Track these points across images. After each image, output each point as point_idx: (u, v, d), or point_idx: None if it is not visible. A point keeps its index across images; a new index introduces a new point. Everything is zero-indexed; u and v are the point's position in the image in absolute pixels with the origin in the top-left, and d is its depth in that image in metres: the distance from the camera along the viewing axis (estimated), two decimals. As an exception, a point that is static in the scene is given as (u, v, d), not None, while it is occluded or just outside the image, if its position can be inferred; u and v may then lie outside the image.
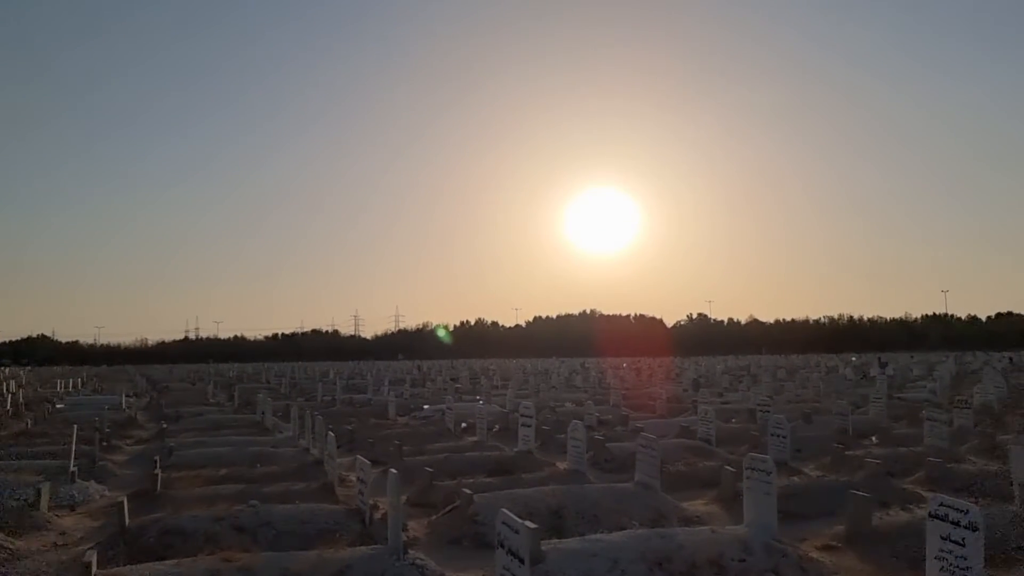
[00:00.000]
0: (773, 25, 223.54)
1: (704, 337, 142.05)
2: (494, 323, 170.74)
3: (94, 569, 6.64)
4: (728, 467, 11.39)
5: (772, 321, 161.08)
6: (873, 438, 16.59)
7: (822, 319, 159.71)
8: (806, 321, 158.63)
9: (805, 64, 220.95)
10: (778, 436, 13.67)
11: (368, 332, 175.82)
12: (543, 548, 7.21)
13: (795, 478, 11.89)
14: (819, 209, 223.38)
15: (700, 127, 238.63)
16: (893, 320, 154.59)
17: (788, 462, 12.99)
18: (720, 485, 11.24)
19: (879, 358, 57.04)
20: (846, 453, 13.57)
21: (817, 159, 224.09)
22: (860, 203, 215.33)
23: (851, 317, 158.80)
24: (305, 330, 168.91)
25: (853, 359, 68.89)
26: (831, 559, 7.90)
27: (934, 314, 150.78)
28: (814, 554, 7.94)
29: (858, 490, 9.02)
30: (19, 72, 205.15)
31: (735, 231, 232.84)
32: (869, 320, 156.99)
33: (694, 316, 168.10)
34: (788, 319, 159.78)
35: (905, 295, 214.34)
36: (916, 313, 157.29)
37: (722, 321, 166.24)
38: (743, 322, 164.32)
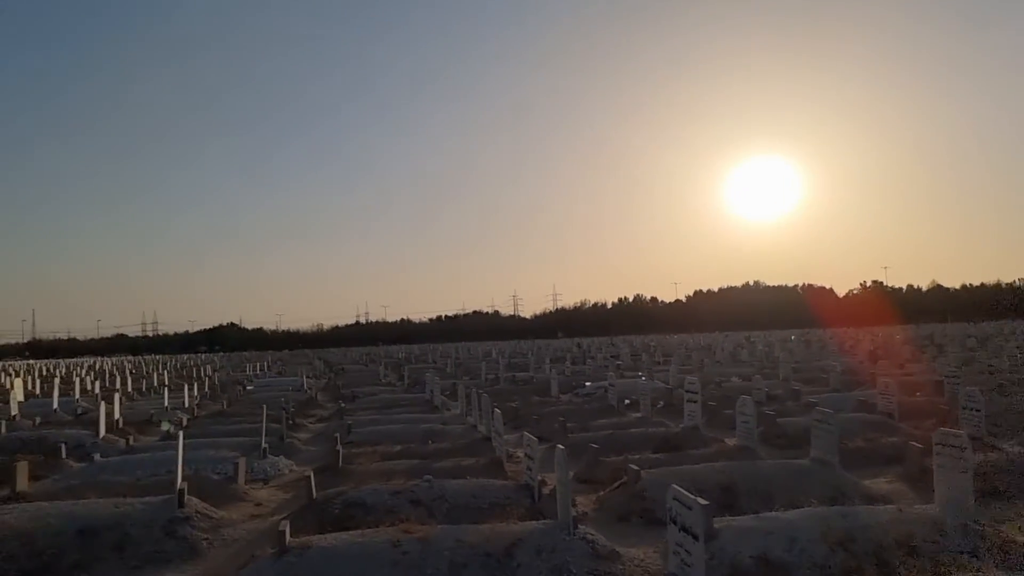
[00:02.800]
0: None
1: (881, 306, 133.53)
2: (653, 299, 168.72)
3: (288, 537, 7.14)
4: (914, 443, 10.66)
5: (958, 286, 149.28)
6: (1082, 411, 14.99)
7: (1015, 282, 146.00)
8: (997, 285, 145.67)
9: (980, 13, 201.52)
10: (971, 409, 12.63)
11: (527, 311, 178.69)
12: (716, 525, 7.04)
13: (992, 454, 10.93)
14: (1005, 158, 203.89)
15: (867, 86, 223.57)
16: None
17: (983, 437, 11.99)
18: (905, 462, 10.55)
19: (1086, 323, 51.51)
20: (1051, 428, 12.36)
21: (994, 102, 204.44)
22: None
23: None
24: (467, 311, 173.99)
25: (1054, 325, 62.58)
26: (1038, 543, 7.22)
27: None
28: (1018, 537, 7.27)
29: (1068, 468, 8.18)
30: (191, 62, 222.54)
31: (910, 190, 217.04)
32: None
33: (868, 284, 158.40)
34: (976, 284, 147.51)
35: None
36: None
37: (900, 288, 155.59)
38: (924, 288, 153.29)
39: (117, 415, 18.69)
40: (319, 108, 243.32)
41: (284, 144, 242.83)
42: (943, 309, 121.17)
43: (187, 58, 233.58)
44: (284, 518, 8.57)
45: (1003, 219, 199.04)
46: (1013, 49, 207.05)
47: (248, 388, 31.61)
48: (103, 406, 16.85)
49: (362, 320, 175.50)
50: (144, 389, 33.23)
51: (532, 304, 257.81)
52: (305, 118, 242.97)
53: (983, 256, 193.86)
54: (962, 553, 6.80)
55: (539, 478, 9.37)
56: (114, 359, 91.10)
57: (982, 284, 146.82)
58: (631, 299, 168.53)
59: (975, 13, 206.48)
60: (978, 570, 6.47)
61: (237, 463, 11.71)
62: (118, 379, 36.71)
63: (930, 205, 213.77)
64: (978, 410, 12.56)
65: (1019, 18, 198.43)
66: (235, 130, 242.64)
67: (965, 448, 7.68)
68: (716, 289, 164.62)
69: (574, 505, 8.64)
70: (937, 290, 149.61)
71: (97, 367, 60.77)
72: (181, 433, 10.35)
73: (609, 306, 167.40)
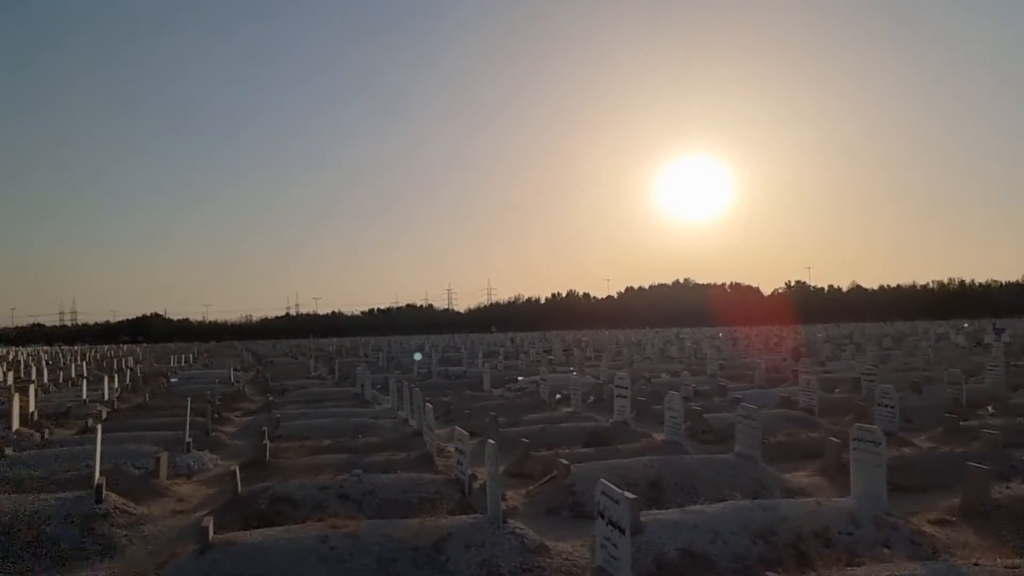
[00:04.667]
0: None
1: (803, 305, 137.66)
2: (586, 295, 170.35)
3: (211, 534, 6.98)
4: (832, 438, 11.03)
5: (876, 287, 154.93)
6: (989, 408, 15.72)
7: (931, 284, 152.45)
8: (913, 287, 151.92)
9: (905, 13, 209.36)
10: (886, 406, 13.14)
11: (461, 305, 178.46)
12: (642, 519, 7.16)
13: (905, 449, 11.40)
14: (925, 166, 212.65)
15: (795, 88, 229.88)
16: (1009, 284, 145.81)
17: (897, 433, 12.48)
18: (824, 456, 10.90)
19: (994, 324, 54.14)
20: (960, 424, 12.92)
21: (919, 114, 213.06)
22: (970, 161, 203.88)
23: (962, 281, 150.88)
24: (400, 305, 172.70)
25: (965, 326, 65.49)
26: (945, 533, 7.55)
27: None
28: (927, 528, 7.60)
29: (974, 462, 8.58)
30: (112, 55, 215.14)
31: (835, 194, 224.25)
32: (982, 285, 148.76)
33: (793, 283, 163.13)
34: (893, 285, 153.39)
35: (1021, 257, 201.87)
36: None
37: (822, 288, 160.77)
38: (845, 289, 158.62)
39: (32, 408, 17.95)
40: (250, 98, 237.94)
41: (214, 131, 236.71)
42: (862, 309, 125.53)
43: (121, 43, 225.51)
44: (207, 514, 8.36)
45: (919, 224, 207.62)
46: (937, 52, 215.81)
47: (172, 380, 30.76)
48: (16, 398, 16.15)
49: (292, 312, 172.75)
50: (61, 381, 32.00)
51: (466, 298, 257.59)
52: (237, 108, 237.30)
53: (900, 259, 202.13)
54: (875, 544, 7.08)
55: (470, 472, 9.38)
56: (29, 349, 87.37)
57: (899, 286, 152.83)
58: (564, 295, 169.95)
59: (902, 19, 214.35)
60: (890, 560, 6.73)
61: (159, 457, 11.38)
62: (33, 370, 35.23)
63: (852, 209, 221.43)
64: (892, 406, 13.07)
65: (944, 23, 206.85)
66: (163, 117, 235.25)
67: (880, 443, 7.99)
68: (647, 286, 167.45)
69: (504, 499, 8.67)
70: (857, 290, 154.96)
71: (11, 357, 58.19)
72: (100, 426, 10.01)
73: (543, 301, 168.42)
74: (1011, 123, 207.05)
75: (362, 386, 22.06)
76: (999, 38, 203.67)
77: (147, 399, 22.15)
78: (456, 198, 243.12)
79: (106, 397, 21.90)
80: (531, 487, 10.02)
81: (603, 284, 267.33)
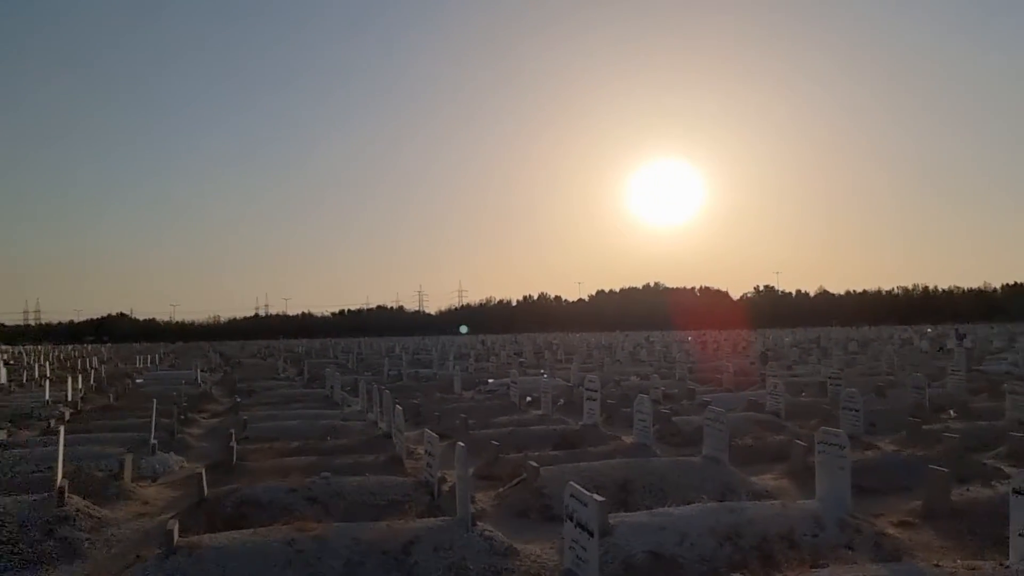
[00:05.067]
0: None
1: (772, 309, 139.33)
2: (557, 297, 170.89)
3: (176, 537, 6.89)
4: (798, 441, 11.17)
5: (843, 292, 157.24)
6: (951, 412, 16.02)
7: (895, 290, 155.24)
8: (878, 292, 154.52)
9: (873, 21, 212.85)
10: (851, 409, 13.32)
11: (432, 307, 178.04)
12: (611, 521, 7.20)
13: (869, 452, 11.58)
14: (892, 176, 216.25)
15: (765, 95, 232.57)
16: (971, 290, 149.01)
17: (861, 436, 12.67)
18: (790, 459, 11.04)
19: (956, 329, 55.10)
20: (923, 427, 13.14)
21: (888, 123, 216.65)
22: (935, 169, 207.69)
23: (926, 288, 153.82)
24: (371, 306, 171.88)
25: (928, 331, 66.63)
26: (908, 535, 7.69)
27: (1016, 283, 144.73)
28: (890, 530, 7.73)
29: (936, 465, 8.73)
30: (80, 56, 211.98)
31: (803, 201, 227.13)
32: (945, 291, 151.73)
33: (761, 288, 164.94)
34: (859, 290, 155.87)
35: (985, 264, 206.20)
36: (996, 283, 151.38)
37: (790, 293, 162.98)
38: (812, 294, 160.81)
39: (-8, 408, 17.61)
40: (221, 98, 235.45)
41: (184, 131, 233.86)
42: (829, 314, 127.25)
43: (88, 42, 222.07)
44: (172, 517, 8.26)
45: (885, 231, 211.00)
46: (903, 61, 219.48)
47: (138, 381, 30.29)
48: (-24, 399, 15.84)
49: (261, 313, 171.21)
50: (24, 381, 31.40)
51: (438, 300, 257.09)
52: (207, 107, 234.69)
53: (867, 265, 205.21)
54: (839, 546, 7.18)
55: (439, 475, 9.36)
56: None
57: (864, 291, 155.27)
58: (536, 297, 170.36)
59: (868, 28, 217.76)
60: (853, 561, 6.83)
61: (123, 460, 11.21)
62: (-6, 370, 34.51)
63: (820, 216, 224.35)
64: (857, 410, 13.26)
65: (908, 32, 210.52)
66: (133, 115, 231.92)
67: (844, 446, 8.11)
68: (618, 289, 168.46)
69: (473, 502, 8.67)
70: (824, 296, 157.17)
71: (-29, 357, 56.97)
72: (63, 428, 9.85)
73: (514, 304, 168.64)
74: (975, 133, 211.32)
75: (331, 388, 21.91)
76: (961, 47, 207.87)
77: (112, 400, 21.81)
78: (428, 200, 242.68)
79: (70, 398, 21.53)
80: (501, 490, 10.02)
81: (574, 287, 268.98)
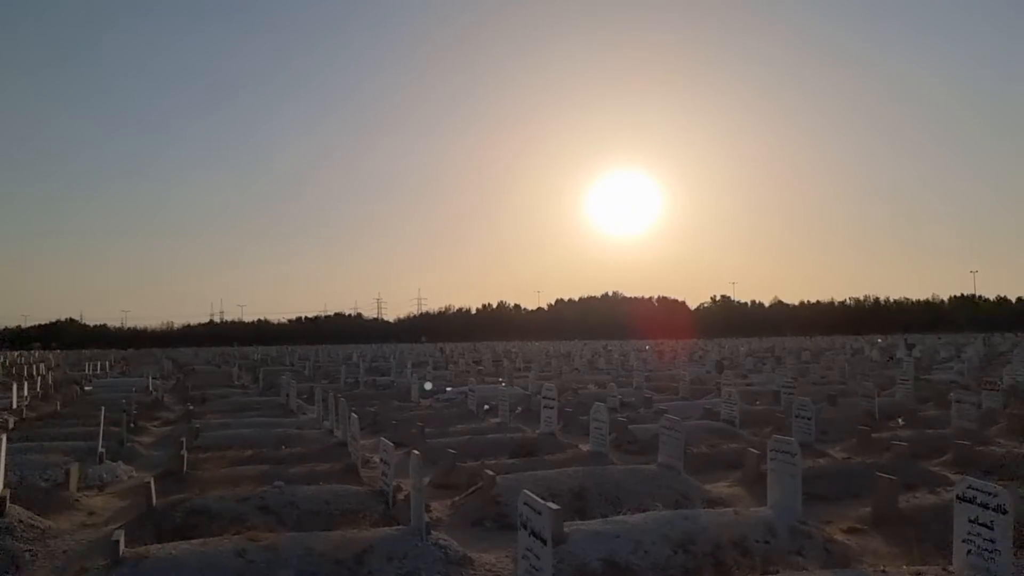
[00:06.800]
0: (795, 3, 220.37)
1: (727, 319, 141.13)
2: (516, 306, 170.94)
3: (122, 547, 6.72)
4: (752, 449, 11.30)
5: (797, 303, 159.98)
6: (900, 420, 16.38)
7: (847, 301, 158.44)
8: (831, 303, 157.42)
9: (828, 42, 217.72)
10: (803, 418, 13.55)
11: (391, 315, 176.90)
12: (566, 529, 7.20)
13: (820, 460, 11.78)
14: (844, 189, 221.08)
15: (722, 108, 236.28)
16: (920, 302, 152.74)
17: (813, 444, 12.88)
18: (744, 467, 11.16)
19: (905, 339, 56.43)
20: (872, 435, 13.41)
21: (841, 138, 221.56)
22: (886, 183, 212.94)
23: (877, 299, 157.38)
24: (328, 313, 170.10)
25: (879, 341, 68.08)
26: (856, 541, 7.83)
27: (962, 295, 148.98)
28: (839, 536, 7.86)
29: (884, 472, 8.92)
30: (45, 59, 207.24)
31: (759, 213, 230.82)
32: (895, 302, 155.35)
33: (717, 298, 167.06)
34: (813, 301, 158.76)
35: (932, 276, 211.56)
36: (944, 295, 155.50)
37: (746, 303, 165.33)
38: (767, 304, 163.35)
39: (-69, 416, 17.03)
40: (176, 103, 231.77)
41: (136, 132, 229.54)
42: (783, 324, 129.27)
43: (52, 37, 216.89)
44: (119, 527, 8.05)
45: (838, 244, 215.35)
46: (854, 78, 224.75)
47: (87, 388, 29.58)
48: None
49: (216, 319, 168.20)
50: (-34, 388, 30.44)
51: (396, 308, 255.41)
52: (161, 108, 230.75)
53: (820, 276, 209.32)
54: (790, 552, 7.28)
55: (394, 484, 9.28)
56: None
57: (818, 302, 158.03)
58: (495, 306, 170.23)
59: (823, 45, 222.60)
60: (804, 568, 6.93)
61: (69, 469, 10.90)
62: (-65, 377, 33.46)
63: (775, 228, 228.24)
64: (809, 418, 13.48)
65: (865, 50, 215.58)
66: (82, 115, 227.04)
67: (795, 454, 8.22)
68: (577, 298, 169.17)
69: (428, 510, 8.62)
70: (778, 306, 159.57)
71: (-90, 363, 55.09)
72: (4, 436, 9.54)
73: (473, 312, 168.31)
74: (923, 152, 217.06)
75: (287, 395, 21.63)
76: (914, 64, 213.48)
77: (59, 408, 21.26)
78: (387, 207, 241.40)
79: (14, 405, 20.90)
80: (456, 498, 9.97)
81: (534, 296, 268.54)
